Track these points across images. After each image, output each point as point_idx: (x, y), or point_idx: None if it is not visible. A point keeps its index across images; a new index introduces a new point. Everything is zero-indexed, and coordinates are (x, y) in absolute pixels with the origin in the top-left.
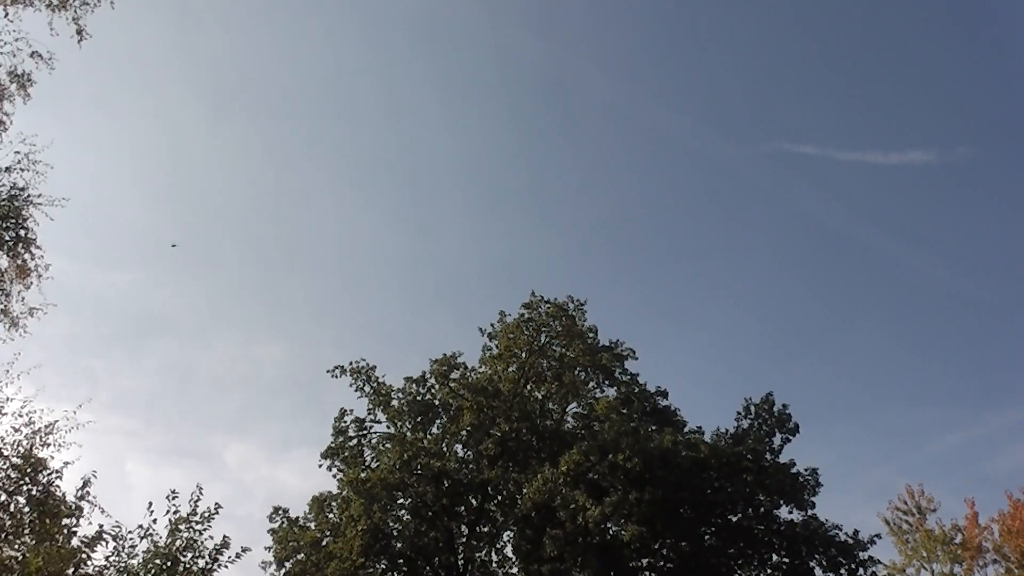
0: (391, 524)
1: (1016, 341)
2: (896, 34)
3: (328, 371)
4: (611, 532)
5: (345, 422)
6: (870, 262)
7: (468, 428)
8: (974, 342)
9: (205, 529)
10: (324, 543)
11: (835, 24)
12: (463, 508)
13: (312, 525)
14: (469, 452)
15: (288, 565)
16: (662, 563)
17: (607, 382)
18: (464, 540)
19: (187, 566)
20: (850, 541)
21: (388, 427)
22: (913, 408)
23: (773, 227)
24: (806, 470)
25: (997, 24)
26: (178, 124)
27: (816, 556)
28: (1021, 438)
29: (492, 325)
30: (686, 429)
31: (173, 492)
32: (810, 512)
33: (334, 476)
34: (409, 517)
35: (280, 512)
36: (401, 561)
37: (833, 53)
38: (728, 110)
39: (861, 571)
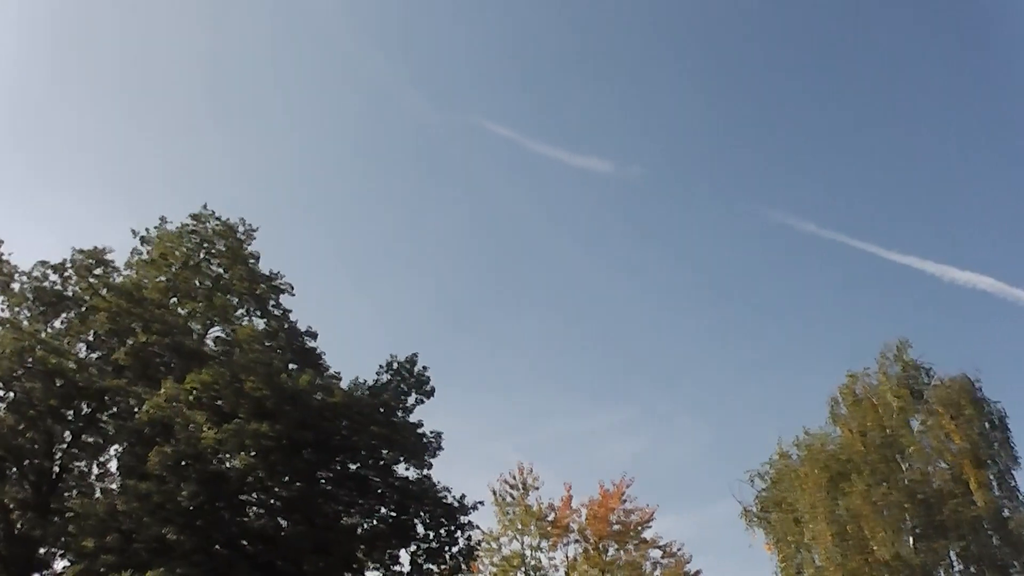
0: None
1: (640, 348)
2: (607, 44)
3: None
4: (225, 460)
5: None
6: (537, 251)
7: (100, 331)
8: (610, 342)
9: None
10: None
11: (559, 22)
12: (72, 413)
13: None
14: (94, 355)
15: None
16: (272, 500)
17: (258, 312)
18: (65, 447)
19: None
20: (456, 504)
21: (3, 311)
22: (546, 393)
23: (461, 199)
24: (432, 432)
25: (690, 62)
26: None
27: (422, 513)
28: (622, 436)
29: (147, 229)
30: (326, 373)
31: None
32: (426, 472)
33: None
34: (7, 412)
35: None
36: None
37: (550, 47)
38: (440, 74)
39: (459, 533)
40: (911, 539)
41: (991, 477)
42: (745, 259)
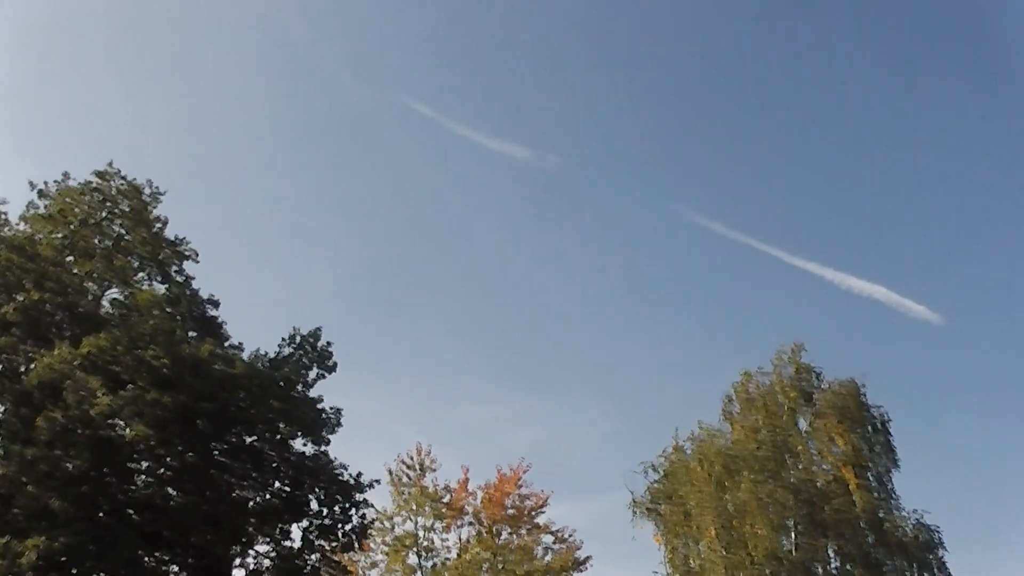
0: None
1: (552, 336)
2: (532, 32)
3: None
4: (117, 427)
5: None
6: (454, 233)
7: None
8: (522, 328)
9: None
10: None
11: (486, 6)
12: None
13: None
14: None
15: None
16: (163, 469)
17: (159, 277)
18: None
19: None
20: (352, 482)
21: None
22: (454, 376)
23: (378, 176)
24: (331, 408)
25: (613, 57)
26: None
27: (317, 490)
28: (528, 422)
29: (46, 183)
30: (227, 343)
31: None
32: (323, 448)
33: None
34: None
35: None
36: None
37: (475, 29)
38: (365, 47)
39: (353, 511)
40: (793, 536)
41: (871, 479)
42: (657, 254)
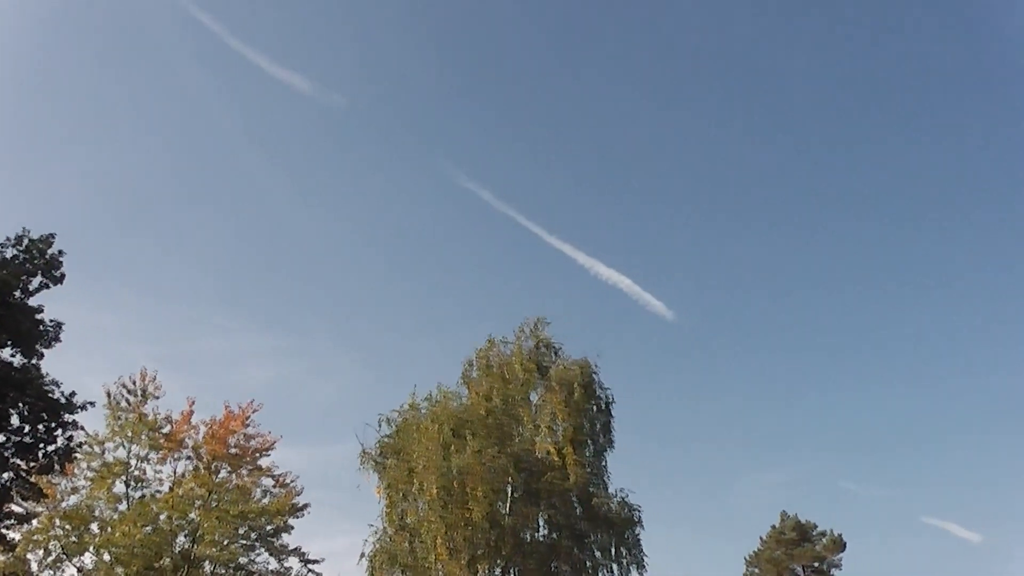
0: None
1: (314, 279)
2: None
3: None
4: None
5: None
6: (225, 156)
7: None
8: (283, 266)
9: None
10: None
11: None
12: None
13: None
14: None
15: None
16: None
17: None
18: None
19: None
20: (63, 401)
21: None
22: (201, 304)
23: (150, 83)
24: (51, 321)
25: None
26: None
27: (20, 404)
28: (265, 363)
29: None
30: None
31: None
32: (35, 361)
33: None
34: None
35: None
36: None
37: None
38: None
39: (60, 431)
40: (508, 502)
41: (588, 455)
42: (426, 212)
